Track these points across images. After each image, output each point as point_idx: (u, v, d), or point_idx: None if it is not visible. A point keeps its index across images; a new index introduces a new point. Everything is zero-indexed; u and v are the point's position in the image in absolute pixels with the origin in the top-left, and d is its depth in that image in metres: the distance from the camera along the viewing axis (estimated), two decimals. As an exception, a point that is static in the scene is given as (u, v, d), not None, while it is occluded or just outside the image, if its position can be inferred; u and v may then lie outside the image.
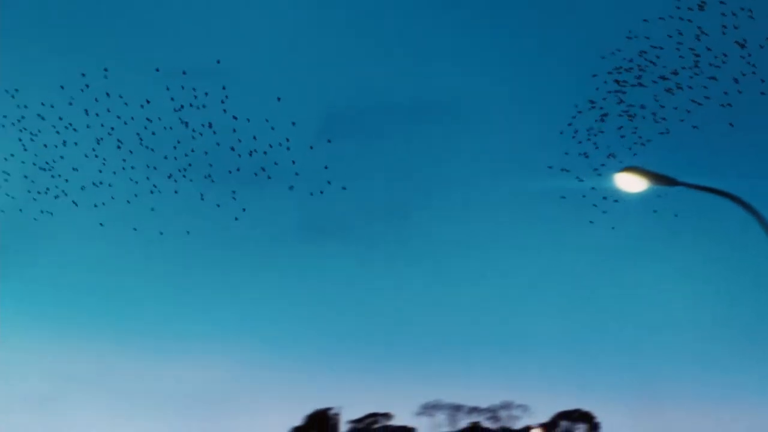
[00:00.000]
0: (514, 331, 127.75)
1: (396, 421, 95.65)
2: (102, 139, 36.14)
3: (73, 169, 36.39)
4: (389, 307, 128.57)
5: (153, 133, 36.10)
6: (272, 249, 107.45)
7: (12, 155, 35.60)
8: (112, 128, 35.96)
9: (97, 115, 36.52)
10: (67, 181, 35.80)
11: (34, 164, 35.62)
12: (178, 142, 35.61)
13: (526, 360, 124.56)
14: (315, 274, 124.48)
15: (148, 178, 35.34)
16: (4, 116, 36.34)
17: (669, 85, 29.35)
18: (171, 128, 36.22)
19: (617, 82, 28.85)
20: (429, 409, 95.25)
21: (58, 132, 35.96)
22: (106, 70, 35.41)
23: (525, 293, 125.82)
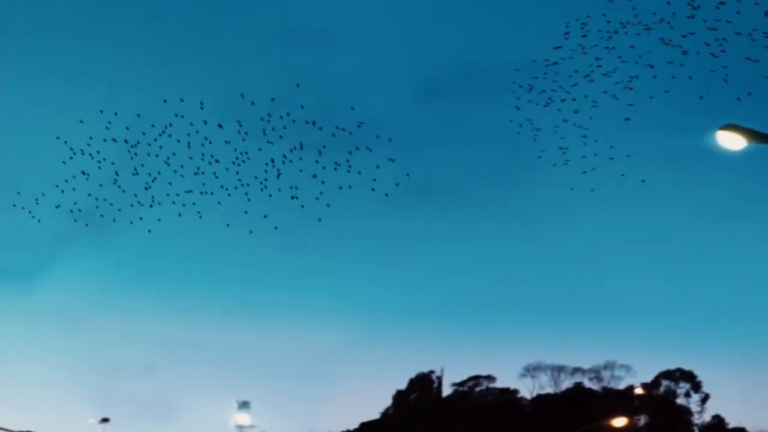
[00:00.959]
0: (615, 291, 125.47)
1: (499, 384, 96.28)
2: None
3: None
4: (491, 269, 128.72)
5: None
6: (374, 215, 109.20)
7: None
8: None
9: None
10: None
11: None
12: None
13: (629, 320, 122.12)
14: (416, 238, 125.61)
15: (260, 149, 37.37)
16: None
17: None
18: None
19: None
20: (531, 370, 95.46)
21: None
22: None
23: (628, 253, 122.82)
